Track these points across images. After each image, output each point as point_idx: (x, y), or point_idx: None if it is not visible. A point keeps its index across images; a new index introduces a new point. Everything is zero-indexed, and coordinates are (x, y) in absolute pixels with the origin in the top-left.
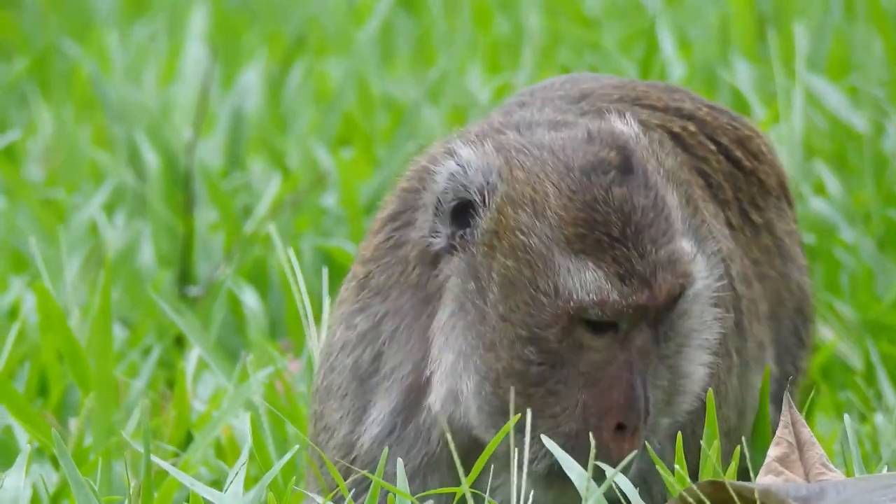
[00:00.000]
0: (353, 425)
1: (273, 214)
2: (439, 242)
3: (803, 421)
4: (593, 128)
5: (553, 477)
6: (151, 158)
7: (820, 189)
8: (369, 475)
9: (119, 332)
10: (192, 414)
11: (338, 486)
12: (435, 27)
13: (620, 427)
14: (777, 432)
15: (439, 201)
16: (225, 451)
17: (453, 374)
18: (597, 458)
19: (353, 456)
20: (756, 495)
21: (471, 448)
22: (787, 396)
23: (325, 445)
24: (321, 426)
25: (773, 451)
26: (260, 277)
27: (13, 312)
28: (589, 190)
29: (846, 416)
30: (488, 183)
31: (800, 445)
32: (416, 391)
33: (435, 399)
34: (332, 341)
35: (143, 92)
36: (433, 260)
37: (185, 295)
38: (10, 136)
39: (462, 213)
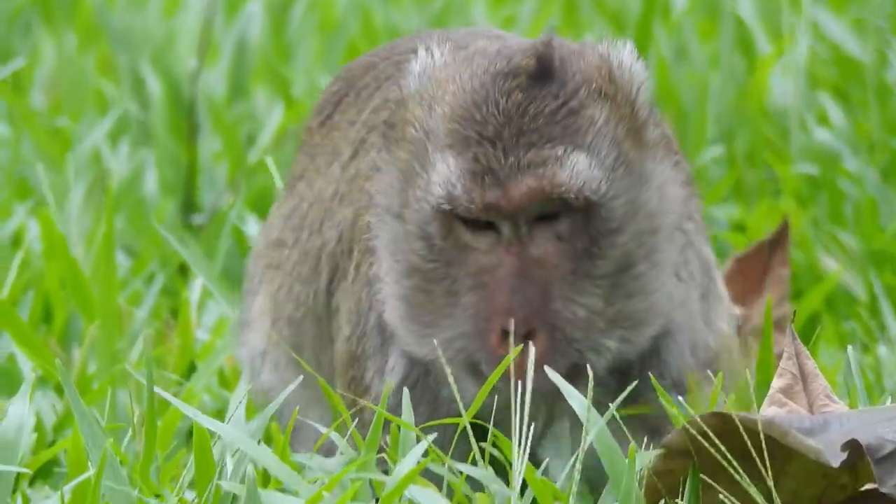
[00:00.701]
0: (382, 379)
1: (277, 144)
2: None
3: (807, 352)
4: (548, 40)
5: (477, 374)
6: (155, 87)
7: (824, 120)
8: (373, 406)
9: (122, 261)
10: (196, 343)
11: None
12: None
13: (506, 334)
14: (780, 364)
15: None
16: (228, 379)
17: (387, 277)
18: (487, 361)
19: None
20: (760, 427)
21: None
22: (790, 327)
23: (357, 405)
24: (360, 390)
25: (776, 383)
26: (264, 206)
27: (17, 240)
28: (485, 90)
29: (849, 347)
30: (414, 83)
31: (803, 377)
32: None
33: (384, 306)
34: (361, 306)
35: (147, 20)
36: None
37: (189, 224)
38: (15, 65)
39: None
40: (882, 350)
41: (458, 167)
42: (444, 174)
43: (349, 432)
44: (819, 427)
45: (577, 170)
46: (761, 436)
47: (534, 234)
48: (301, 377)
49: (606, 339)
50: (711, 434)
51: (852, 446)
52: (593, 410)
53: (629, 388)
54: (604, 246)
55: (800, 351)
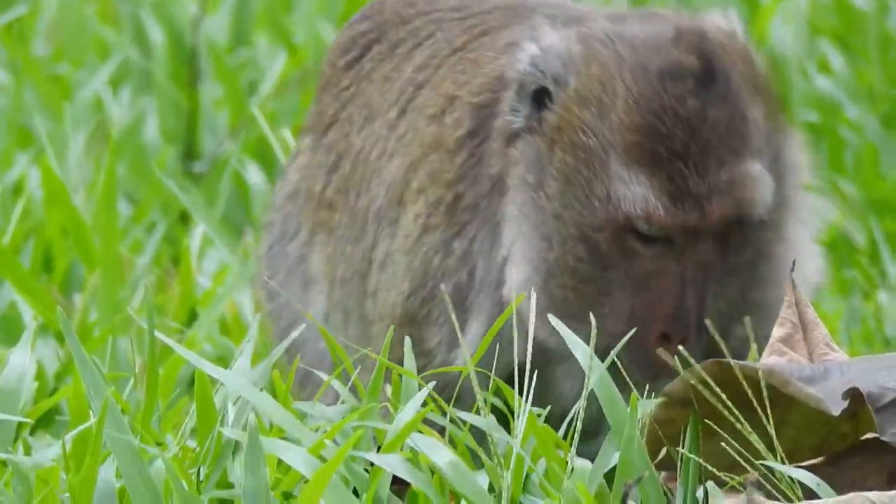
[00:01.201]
0: (450, 348)
1: (279, 91)
2: (518, 122)
3: (807, 301)
4: (683, 26)
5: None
6: (157, 34)
7: (825, 67)
8: (374, 355)
9: (124, 209)
10: (197, 290)
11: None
12: None
13: (666, 337)
14: (781, 312)
15: (521, 82)
16: (230, 327)
17: (517, 266)
18: (639, 363)
19: (448, 377)
20: (761, 375)
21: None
22: (790, 276)
23: (419, 369)
24: (415, 351)
25: (776, 332)
26: (265, 153)
27: (18, 188)
28: (659, 97)
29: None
30: (565, 74)
31: (804, 325)
32: (502, 301)
33: (508, 289)
34: (430, 269)
35: None
36: (508, 142)
37: (190, 171)
38: (16, 12)
39: (540, 98)
40: (883, 297)
41: (656, 187)
42: (641, 193)
43: (351, 381)
44: (820, 376)
45: (765, 185)
46: (762, 384)
47: (700, 251)
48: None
49: (739, 329)
50: (712, 382)
51: (853, 395)
52: (595, 358)
53: (631, 332)
54: (751, 240)
55: (800, 300)
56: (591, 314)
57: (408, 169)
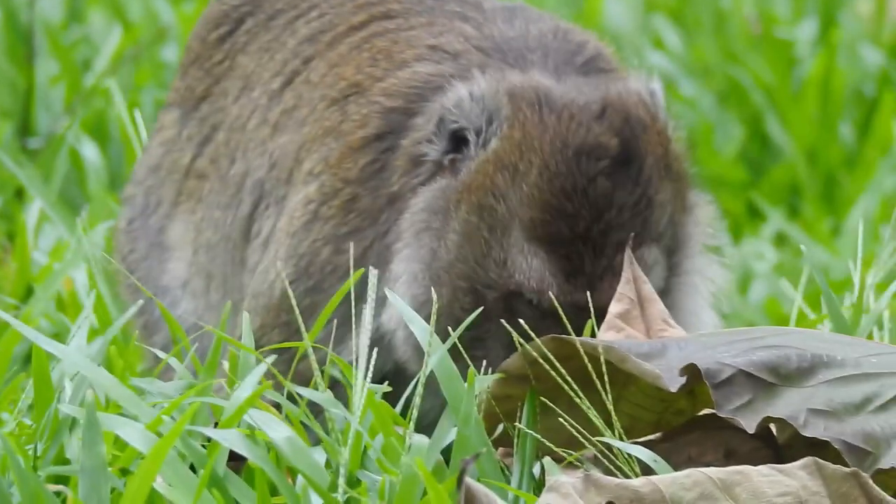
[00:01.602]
0: (336, 345)
1: (114, 67)
2: (433, 154)
3: (644, 277)
4: (611, 99)
5: None
6: None
7: (659, 44)
8: (214, 330)
9: None
10: (34, 267)
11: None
12: None
13: None
14: (618, 288)
15: (443, 119)
16: (66, 304)
17: (403, 297)
18: None
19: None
20: (600, 351)
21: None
22: (628, 252)
23: (292, 358)
24: (296, 337)
25: (614, 308)
26: (100, 130)
27: None
28: (572, 176)
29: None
30: (488, 130)
31: (641, 301)
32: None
33: (389, 317)
34: (317, 260)
35: None
36: (414, 166)
37: (26, 147)
38: None
39: (459, 139)
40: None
41: (552, 266)
42: (538, 270)
43: (188, 357)
44: (657, 352)
45: (657, 268)
46: (602, 360)
47: None
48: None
49: None
50: (552, 357)
51: (690, 371)
52: (435, 336)
53: (475, 314)
54: None
55: (637, 276)
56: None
57: (300, 148)
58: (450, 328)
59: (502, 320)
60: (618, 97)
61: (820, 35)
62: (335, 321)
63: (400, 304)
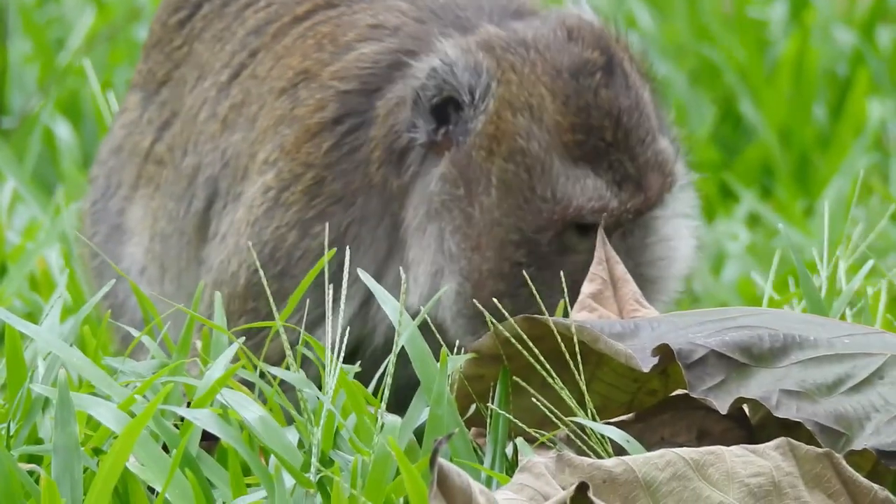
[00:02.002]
0: (310, 329)
1: (87, 47)
2: (419, 137)
3: (617, 257)
4: (571, 24)
5: None
6: None
7: (632, 23)
8: (187, 310)
9: None
10: (7, 246)
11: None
12: None
13: None
14: (591, 269)
15: (418, 96)
16: (39, 284)
17: (433, 276)
18: None
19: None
20: (573, 331)
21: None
22: (601, 232)
23: (261, 341)
24: (262, 328)
25: (586, 288)
26: (74, 110)
27: None
28: (581, 94)
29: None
30: (480, 83)
31: (613, 282)
32: (370, 300)
33: (414, 299)
34: (283, 245)
35: None
36: (399, 158)
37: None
38: None
39: (442, 110)
40: None
41: (603, 178)
42: (592, 188)
43: (160, 336)
44: (630, 332)
45: (677, 158)
46: (575, 339)
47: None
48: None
49: None
50: (525, 336)
51: (663, 351)
52: (405, 314)
53: (441, 291)
54: (647, 222)
55: (610, 256)
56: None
57: (253, 142)
58: (503, 290)
59: (558, 266)
60: (574, 20)
61: (792, 15)
62: (308, 303)
63: (371, 283)
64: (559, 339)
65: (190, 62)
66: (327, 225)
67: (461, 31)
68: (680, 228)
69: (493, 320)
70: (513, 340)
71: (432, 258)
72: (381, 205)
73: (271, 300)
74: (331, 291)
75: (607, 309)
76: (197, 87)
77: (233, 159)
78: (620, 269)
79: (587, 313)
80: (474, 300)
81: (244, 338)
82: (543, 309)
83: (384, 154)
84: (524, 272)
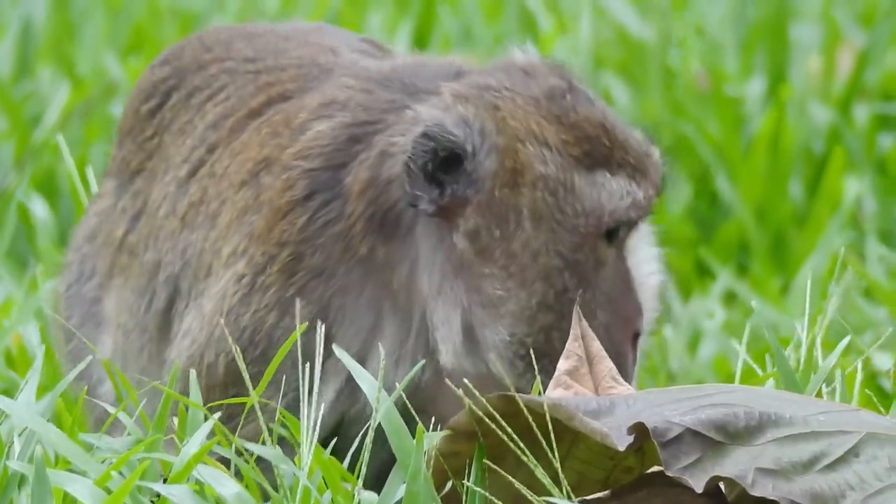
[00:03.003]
0: (292, 406)
1: (63, 123)
2: (427, 208)
3: (593, 334)
4: (521, 64)
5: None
6: None
7: (608, 99)
8: (162, 387)
9: None
10: None
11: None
12: None
13: (636, 335)
14: (567, 345)
15: (409, 168)
16: (15, 360)
17: (466, 331)
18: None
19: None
20: (546, 409)
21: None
22: (576, 309)
23: (239, 424)
24: (240, 409)
25: (562, 365)
26: (50, 186)
27: None
28: (566, 112)
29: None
30: (474, 131)
31: (589, 359)
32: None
33: (450, 357)
34: (262, 328)
35: None
36: (389, 228)
37: None
38: None
39: (434, 174)
40: (667, 331)
41: (621, 178)
42: (619, 190)
43: (137, 413)
44: (605, 409)
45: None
46: (547, 418)
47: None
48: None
49: None
50: (497, 415)
51: (638, 429)
52: (383, 391)
53: (416, 368)
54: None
55: (586, 333)
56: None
57: (216, 240)
58: (554, 322)
59: (595, 282)
60: (522, 60)
61: (769, 92)
62: (290, 380)
63: (347, 360)
64: (531, 418)
65: (159, 154)
66: (298, 301)
67: (413, 96)
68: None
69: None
70: (486, 419)
71: (461, 314)
72: (363, 275)
73: (249, 383)
74: (314, 367)
75: (583, 386)
76: (161, 181)
77: (193, 258)
78: (596, 345)
79: (563, 390)
80: (527, 339)
81: (220, 413)
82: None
83: (367, 226)
84: (571, 298)
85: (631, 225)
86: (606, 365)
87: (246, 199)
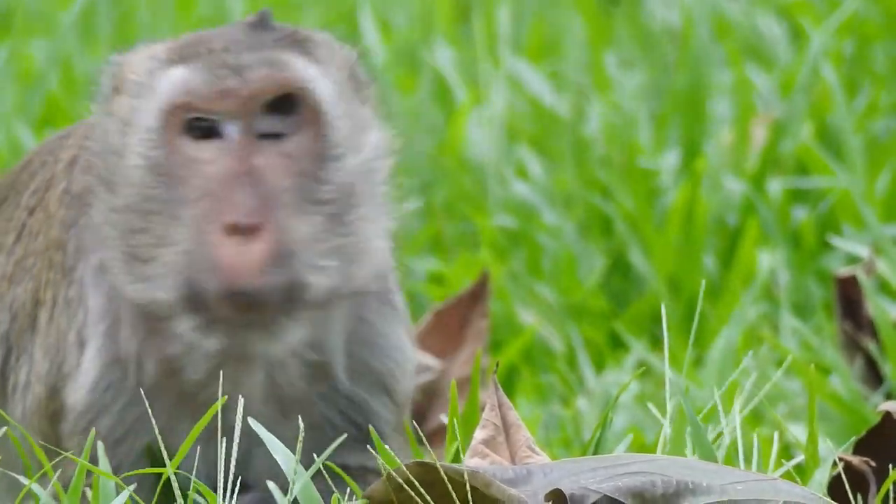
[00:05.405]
0: (76, 384)
1: None
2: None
3: (510, 403)
4: None
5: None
6: None
7: (522, 173)
8: (74, 458)
9: None
10: None
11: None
12: (138, 8)
13: (235, 229)
14: (483, 415)
15: None
16: None
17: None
18: (210, 276)
19: (73, 421)
20: (465, 477)
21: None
22: (494, 379)
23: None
24: (60, 412)
25: (479, 434)
26: None
27: None
28: (199, 35)
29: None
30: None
31: (506, 428)
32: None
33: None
34: (60, 335)
35: None
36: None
37: None
38: None
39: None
40: (581, 403)
41: (192, 69)
42: (179, 77)
43: (51, 484)
44: (522, 478)
45: (308, 70)
46: (467, 486)
47: (262, 147)
48: None
49: (326, 262)
50: (417, 483)
51: (556, 496)
52: (300, 466)
53: (338, 441)
54: (329, 171)
55: (502, 402)
56: (162, 245)
57: (34, 291)
58: (142, 224)
59: (190, 181)
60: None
61: (683, 164)
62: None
63: (261, 431)
64: (450, 486)
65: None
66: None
67: None
68: (373, 211)
69: None
70: (405, 486)
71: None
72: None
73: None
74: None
75: (500, 455)
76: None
77: (19, 310)
78: (513, 415)
79: (479, 459)
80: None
81: (135, 485)
82: (434, 456)
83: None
84: (155, 195)
85: (223, 116)
86: (523, 434)
87: (44, 247)
